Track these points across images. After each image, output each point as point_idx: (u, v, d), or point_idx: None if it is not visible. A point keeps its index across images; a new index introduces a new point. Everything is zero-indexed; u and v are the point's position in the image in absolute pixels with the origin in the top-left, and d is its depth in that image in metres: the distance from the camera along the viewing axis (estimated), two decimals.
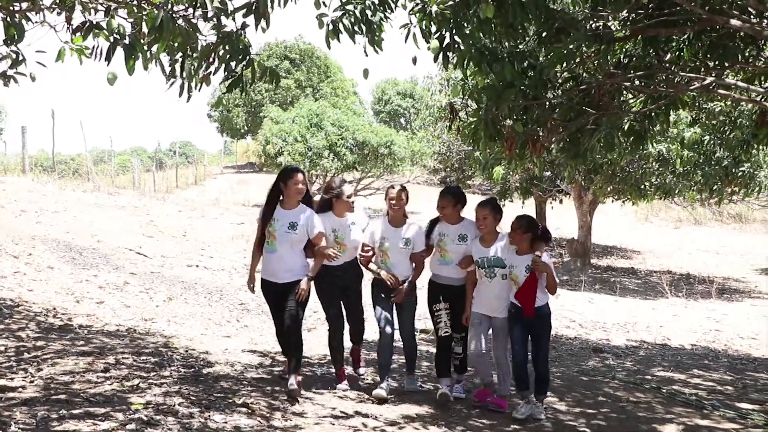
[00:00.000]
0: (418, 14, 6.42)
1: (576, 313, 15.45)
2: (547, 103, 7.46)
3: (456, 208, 7.60)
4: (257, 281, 7.73)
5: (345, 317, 7.98)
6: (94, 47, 6.17)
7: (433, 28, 6.45)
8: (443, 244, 7.66)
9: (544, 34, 6.86)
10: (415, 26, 6.42)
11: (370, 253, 7.76)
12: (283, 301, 7.46)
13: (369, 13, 6.45)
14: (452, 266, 7.64)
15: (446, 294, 7.68)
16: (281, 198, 7.53)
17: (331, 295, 7.85)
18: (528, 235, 7.22)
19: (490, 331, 7.55)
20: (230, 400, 6.89)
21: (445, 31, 6.39)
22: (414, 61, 7.04)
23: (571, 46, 6.83)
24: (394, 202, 7.61)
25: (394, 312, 7.80)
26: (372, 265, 7.79)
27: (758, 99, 8.01)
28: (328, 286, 7.80)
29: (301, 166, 30.20)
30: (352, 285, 7.92)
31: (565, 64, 7.38)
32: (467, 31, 6.33)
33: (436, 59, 6.55)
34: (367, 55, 6.65)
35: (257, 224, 7.63)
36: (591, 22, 6.92)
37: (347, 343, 8.14)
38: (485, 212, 7.36)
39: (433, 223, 7.84)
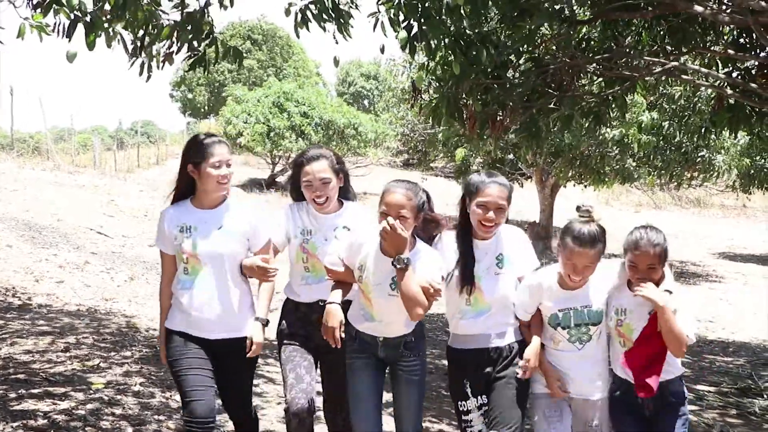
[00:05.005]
0: (386, 3, 6.41)
1: None
2: (508, 83, 7.49)
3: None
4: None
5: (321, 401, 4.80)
6: (55, 24, 6.09)
7: (401, 17, 6.43)
8: (476, 280, 4.37)
9: (506, 14, 6.89)
10: (383, 15, 6.40)
11: (341, 269, 4.38)
12: (219, 375, 4.44)
13: (338, 0, 6.41)
14: (489, 316, 4.40)
15: (479, 372, 4.40)
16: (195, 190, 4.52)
17: (294, 350, 4.62)
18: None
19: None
20: None
21: (413, 21, 6.37)
22: (382, 50, 6.97)
23: (533, 27, 6.88)
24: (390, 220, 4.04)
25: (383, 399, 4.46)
26: (333, 291, 4.37)
27: (716, 84, 8.11)
28: (293, 334, 4.67)
29: (259, 148, 30.17)
30: (335, 350, 4.31)
31: (526, 45, 7.42)
32: (435, 20, 6.32)
33: (403, 49, 6.52)
34: (337, 43, 6.59)
35: (162, 250, 4.54)
36: (553, 4, 6.96)
37: None
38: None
39: (462, 236, 4.44)
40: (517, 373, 4.28)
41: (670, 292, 4.13)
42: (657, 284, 4.15)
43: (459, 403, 4.41)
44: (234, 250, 4.45)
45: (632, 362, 4.19)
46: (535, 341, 4.34)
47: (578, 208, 4.38)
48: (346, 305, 4.38)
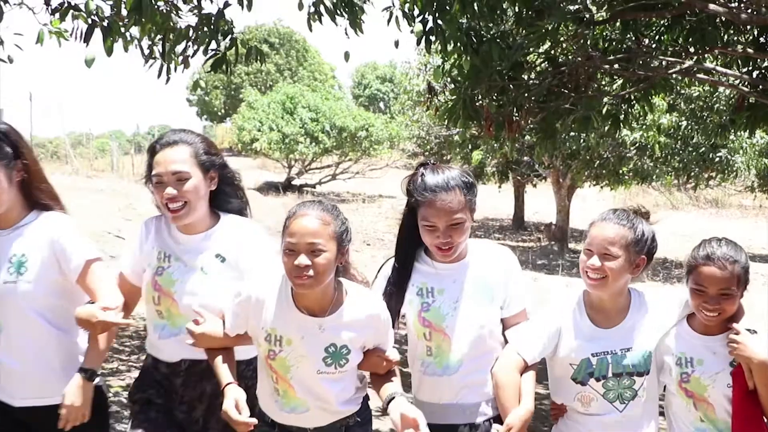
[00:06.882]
0: None
1: (553, 297, 15.52)
2: (524, 84, 7.46)
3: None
4: None
5: None
6: (73, 29, 6.13)
7: (416, 11, 6.43)
8: (435, 318, 3.14)
9: (522, 15, 6.86)
10: (397, 9, 6.39)
11: (216, 334, 3.01)
12: None
13: None
14: (460, 375, 3.14)
15: None
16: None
17: (147, 415, 3.24)
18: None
19: None
20: None
21: (428, 14, 6.35)
22: (396, 44, 6.92)
23: (549, 27, 6.85)
24: (293, 247, 2.74)
25: None
26: (220, 367, 2.96)
27: (737, 84, 8.06)
28: (150, 402, 3.26)
29: (276, 154, 30.06)
30: (210, 427, 3.22)
31: (542, 46, 7.39)
32: (450, 14, 6.30)
33: (419, 42, 6.49)
34: (348, 38, 6.59)
35: None
36: (570, 5, 6.93)
37: None
38: (615, 241, 3.04)
39: (403, 263, 3.23)
40: None
41: (754, 332, 2.94)
42: (733, 320, 3.00)
43: None
44: (30, 288, 3.10)
45: None
46: (528, 402, 3.12)
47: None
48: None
